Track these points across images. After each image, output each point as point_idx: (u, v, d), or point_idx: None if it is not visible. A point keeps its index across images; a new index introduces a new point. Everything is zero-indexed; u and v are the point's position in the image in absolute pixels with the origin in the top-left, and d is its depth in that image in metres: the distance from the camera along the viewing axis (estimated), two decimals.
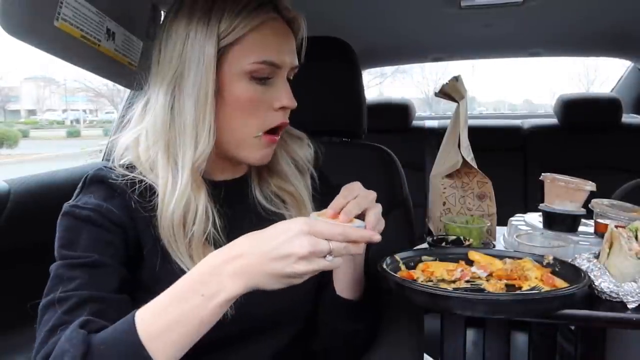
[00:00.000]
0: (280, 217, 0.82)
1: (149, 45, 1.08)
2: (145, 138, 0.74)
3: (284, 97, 0.75)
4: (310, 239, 0.59)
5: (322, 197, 0.88)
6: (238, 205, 0.80)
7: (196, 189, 0.71)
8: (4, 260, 0.93)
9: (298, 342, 0.82)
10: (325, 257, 0.60)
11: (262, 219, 0.80)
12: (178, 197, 0.70)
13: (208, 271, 0.60)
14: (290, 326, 0.81)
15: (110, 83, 1.13)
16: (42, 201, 1.01)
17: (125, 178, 0.71)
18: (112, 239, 0.69)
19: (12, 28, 0.72)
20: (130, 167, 0.74)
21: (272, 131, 0.76)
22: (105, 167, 0.75)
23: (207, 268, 0.61)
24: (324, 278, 0.81)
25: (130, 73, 1.02)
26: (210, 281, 0.59)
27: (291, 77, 0.79)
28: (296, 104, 0.78)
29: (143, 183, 0.71)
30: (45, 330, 0.61)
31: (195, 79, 0.70)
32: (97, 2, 0.86)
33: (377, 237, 0.64)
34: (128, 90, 1.35)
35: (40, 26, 0.76)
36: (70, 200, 0.72)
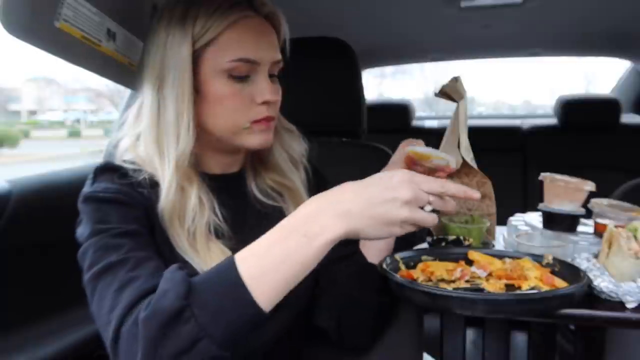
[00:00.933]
0: (278, 210, 0.85)
1: None
2: (142, 137, 0.77)
3: (265, 92, 0.76)
4: (413, 185, 0.61)
5: (318, 189, 0.89)
6: (237, 199, 0.82)
7: (187, 181, 0.74)
8: (5, 260, 0.93)
9: (297, 326, 0.83)
10: (424, 208, 0.63)
11: (261, 213, 0.82)
12: (166, 190, 0.72)
13: (311, 213, 0.61)
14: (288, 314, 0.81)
15: (111, 83, 1.14)
16: (43, 201, 1.02)
17: (133, 171, 0.74)
18: (139, 216, 0.71)
19: (13, 28, 0.72)
20: (132, 163, 0.76)
21: (261, 119, 0.78)
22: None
23: (310, 210, 0.61)
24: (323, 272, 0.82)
25: (130, 73, 1.02)
26: (312, 222, 0.60)
27: (276, 73, 0.80)
28: (279, 98, 0.80)
29: (147, 175, 0.74)
30: (113, 291, 0.61)
31: (174, 80, 0.74)
32: (97, 2, 0.86)
33: (476, 195, 0.66)
34: (128, 90, 1.35)
35: (40, 26, 0.76)
36: (86, 189, 0.73)
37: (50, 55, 0.81)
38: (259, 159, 0.87)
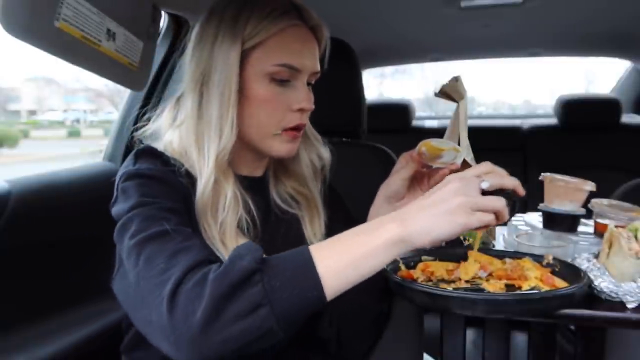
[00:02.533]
0: (294, 217, 0.86)
1: (149, 46, 1.09)
2: (180, 130, 0.78)
3: (302, 99, 0.79)
4: (456, 177, 0.66)
5: (332, 202, 0.92)
6: (261, 201, 0.83)
7: (223, 177, 0.75)
8: (5, 261, 0.93)
9: (303, 333, 0.83)
10: (480, 188, 0.66)
11: (279, 218, 0.84)
12: (204, 183, 0.73)
13: (379, 219, 0.65)
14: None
15: (110, 83, 1.14)
16: (43, 201, 1.01)
17: (174, 160, 0.75)
18: (180, 199, 0.72)
19: (12, 28, 0.72)
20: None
21: (291, 128, 0.79)
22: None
23: (380, 218, 0.65)
24: None
25: (130, 73, 1.02)
26: (377, 223, 0.64)
27: (312, 82, 0.83)
28: (314, 107, 0.82)
29: (184, 167, 0.75)
30: (166, 256, 0.61)
31: (220, 78, 0.75)
32: (97, 2, 0.86)
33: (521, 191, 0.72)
34: (128, 90, 1.35)
35: (40, 26, 0.76)
36: (128, 168, 0.72)
37: (50, 55, 0.81)
38: (281, 165, 0.89)
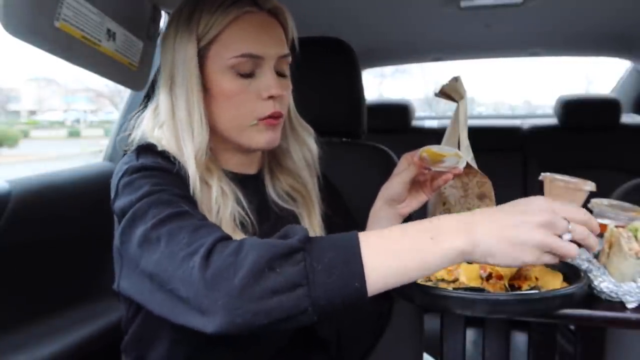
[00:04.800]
0: (291, 214, 0.86)
1: (149, 46, 1.09)
2: (162, 132, 0.78)
3: (270, 86, 0.76)
4: (549, 209, 0.59)
5: (329, 196, 0.89)
6: (256, 198, 0.82)
7: (207, 174, 0.75)
8: (5, 260, 0.93)
9: (302, 335, 0.83)
10: (562, 237, 0.59)
11: (277, 216, 0.84)
12: (192, 182, 0.73)
13: (437, 222, 0.60)
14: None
15: (111, 83, 1.15)
16: (43, 201, 1.02)
17: (173, 158, 0.75)
18: (187, 190, 0.72)
19: (12, 28, 0.72)
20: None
21: (267, 117, 0.78)
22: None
23: (437, 220, 0.61)
24: None
25: (130, 73, 1.02)
26: (438, 228, 0.59)
27: (284, 69, 0.80)
28: (284, 93, 0.79)
29: (179, 164, 0.74)
30: (190, 231, 0.60)
31: (183, 78, 0.75)
32: (97, 2, 0.86)
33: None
34: (128, 91, 1.35)
35: (40, 26, 0.76)
36: (131, 163, 0.71)
37: (50, 55, 0.81)
38: (276, 162, 0.88)
